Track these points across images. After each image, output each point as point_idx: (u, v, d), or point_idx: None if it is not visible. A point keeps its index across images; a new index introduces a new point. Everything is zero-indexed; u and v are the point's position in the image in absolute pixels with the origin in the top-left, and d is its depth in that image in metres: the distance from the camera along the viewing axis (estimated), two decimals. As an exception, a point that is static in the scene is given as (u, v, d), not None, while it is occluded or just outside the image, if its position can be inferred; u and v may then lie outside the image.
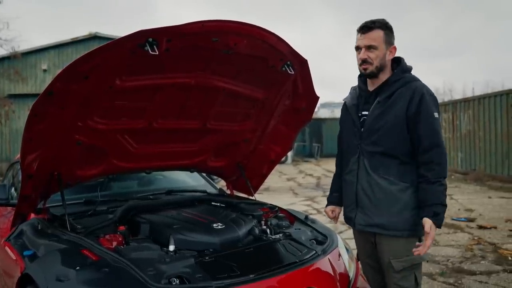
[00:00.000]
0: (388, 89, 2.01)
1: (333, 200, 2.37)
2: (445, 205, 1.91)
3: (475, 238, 4.97)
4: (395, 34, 2.05)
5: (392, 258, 1.98)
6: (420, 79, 2.04)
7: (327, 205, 2.40)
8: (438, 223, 1.88)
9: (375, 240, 2.06)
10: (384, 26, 2.00)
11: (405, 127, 1.95)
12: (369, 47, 1.99)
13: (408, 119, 1.94)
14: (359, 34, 2.02)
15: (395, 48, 2.04)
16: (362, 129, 2.06)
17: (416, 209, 1.96)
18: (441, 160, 1.92)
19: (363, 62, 2.01)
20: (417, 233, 1.97)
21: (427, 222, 1.86)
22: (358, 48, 2.04)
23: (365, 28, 1.99)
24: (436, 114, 1.95)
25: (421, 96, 1.94)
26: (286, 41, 2.21)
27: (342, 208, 2.28)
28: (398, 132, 1.96)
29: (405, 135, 1.96)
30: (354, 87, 2.23)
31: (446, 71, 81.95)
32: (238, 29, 2.03)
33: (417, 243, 1.94)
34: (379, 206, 1.99)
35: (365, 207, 2.03)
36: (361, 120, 2.08)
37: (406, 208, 1.95)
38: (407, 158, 1.97)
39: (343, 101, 2.24)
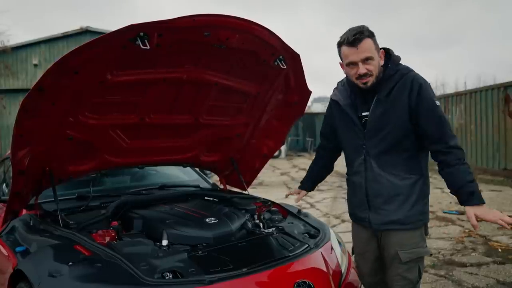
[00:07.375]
0: (387, 85, 1.95)
1: (306, 186, 2.55)
2: (474, 181, 1.83)
3: (466, 230, 5.02)
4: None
5: (400, 249, 1.98)
6: (413, 69, 2.01)
7: (299, 187, 2.57)
8: (480, 201, 1.81)
9: (381, 234, 2.06)
10: (369, 32, 1.90)
11: (409, 122, 1.93)
12: (366, 60, 1.89)
13: (411, 113, 1.91)
14: (350, 48, 1.89)
15: (383, 52, 1.98)
16: (365, 130, 2.01)
17: (426, 198, 2.02)
18: (456, 143, 1.89)
19: (362, 76, 1.92)
20: (425, 221, 2.04)
21: (469, 212, 1.81)
22: (352, 64, 1.92)
23: (357, 40, 1.86)
24: (437, 102, 1.92)
25: (419, 87, 1.90)
26: (278, 36, 2.21)
27: (349, 207, 2.21)
28: (404, 128, 1.93)
29: (410, 129, 1.94)
30: (342, 82, 2.17)
31: (439, 63, 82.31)
32: (230, 24, 2.02)
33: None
34: (393, 203, 1.97)
35: (379, 207, 2.01)
36: (363, 121, 2.03)
37: (418, 200, 1.97)
38: (413, 151, 1.97)
39: (331, 98, 2.18)
